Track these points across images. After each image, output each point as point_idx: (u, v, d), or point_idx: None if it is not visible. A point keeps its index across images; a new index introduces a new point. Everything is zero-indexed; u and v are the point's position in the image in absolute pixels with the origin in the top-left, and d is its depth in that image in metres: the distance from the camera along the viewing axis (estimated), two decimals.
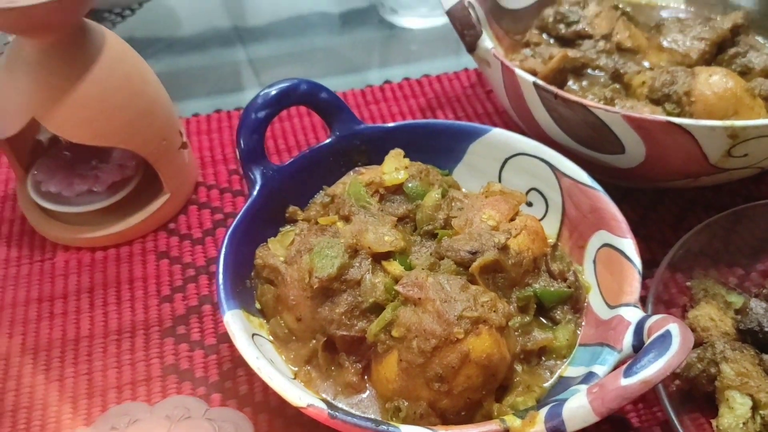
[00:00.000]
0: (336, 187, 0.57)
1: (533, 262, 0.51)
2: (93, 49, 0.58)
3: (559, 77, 0.66)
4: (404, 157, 0.59)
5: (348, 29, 0.95)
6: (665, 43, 0.70)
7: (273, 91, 0.57)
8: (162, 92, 0.65)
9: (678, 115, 0.61)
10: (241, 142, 0.56)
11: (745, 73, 0.68)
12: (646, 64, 0.72)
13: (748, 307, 0.52)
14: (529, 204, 0.59)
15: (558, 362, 0.50)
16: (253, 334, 0.48)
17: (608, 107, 0.55)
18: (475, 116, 0.77)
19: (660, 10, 0.80)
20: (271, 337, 0.51)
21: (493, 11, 0.73)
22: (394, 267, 0.49)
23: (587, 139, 0.58)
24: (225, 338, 0.57)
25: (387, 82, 0.82)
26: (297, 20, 0.96)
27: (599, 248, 0.53)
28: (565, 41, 0.75)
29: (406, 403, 0.45)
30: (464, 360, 0.44)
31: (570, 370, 0.49)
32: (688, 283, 0.56)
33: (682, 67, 0.64)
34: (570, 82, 0.70)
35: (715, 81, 0.60)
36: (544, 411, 0.41)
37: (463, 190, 0.61)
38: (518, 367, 0.49)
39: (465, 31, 0.61)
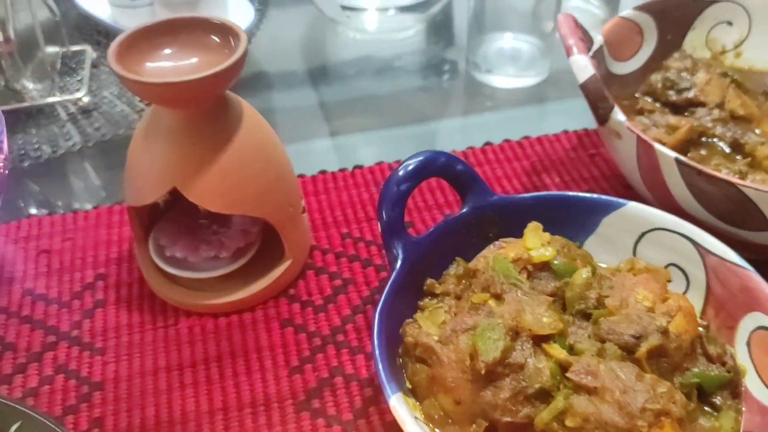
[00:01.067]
0: (477, 262, 0.56)
1: (690, 345, 0.50)
2: (232, 118, 0.58)
3: (685, 146, 0.66)
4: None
5: (436, 85, 0.95)
6: None
7: (412, 165, 0.57)
8: (287, 157, 0.65)
9: None
10: (384, 215, 0.56)
11: None
12: (758, 132, 0.72)
13: None
14: (668, 280, 0.58)
15: None
16: (414, 417, 0.47)
17: (759, 186, 0.54)
18: (582, 180, 0.77)
19: (764, 77, 0.80)
20: (425, 419, 0.50)
21: (604, 77, 0.73)
22: (556, 351, 0.48)
23: (729, 215, 0.58)
24: (361, 413, 0.56)
25: (488, 143, 0.82)
26: (381, 71, 0.96)
27: (753, 330, 0.52)
28: (675, 108, 0.75)
29: None
30: None
31: None
32: None
33: None
34: (690, 151, 0.69)
35: None
36: None
37: (600, 264, 0.60)
38: None
39: (599, 103, 0.61)
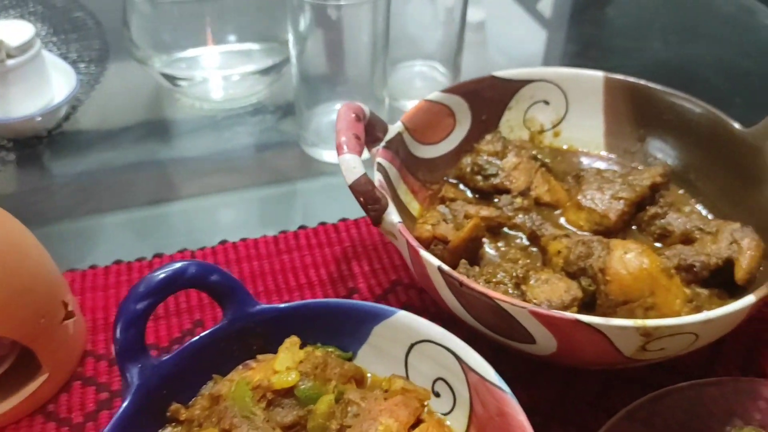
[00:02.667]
0: (222, 385, 0.52)
1: None
2: None
3: (473, 242, 0.63)
4: (303, 342, 0.55)
5: (268, 160, 0.92)
6: (584, 202, 0.68)
7: (157, 277, 0.52)
8: (44, 263, 0.59)
9: (594, 292, 0.58)
10: (118, 336, 0.51)
11: (665, 236, 0.67)
12: (563, 220, 0.69)
13: None
14: (437, 394, 0.55)
15: None
16: None
17: (516, 301, 0.51)
18: (392, 268, 0.73)
19: (581, 156, 0.78)
20: None
21: (408, 162, 0.70)
22: None
23: (496, 327, 0.55)
24: None
25: (302, 227, 0.78)
26: (218, 153, 0.92)
27: None
28: (483, 194, 0.72)
29: None
30: None
31: None
32: None
33: (598, 237, 0.61)
34: (486, 243, 0.67)
35: (629, 259, 0.57)
36: None
37: (369, 375, 0.56)
38: None
39: (369, 206, 0.57)
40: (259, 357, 0.55)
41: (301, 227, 0.78)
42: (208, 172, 0.89)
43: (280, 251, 0.75)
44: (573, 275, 0.60)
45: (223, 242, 0.76)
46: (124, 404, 0.49)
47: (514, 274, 0.58)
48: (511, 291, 0.57)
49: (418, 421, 0.50)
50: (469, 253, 0.63)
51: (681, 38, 1.19)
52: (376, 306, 0.57)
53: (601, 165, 0.77)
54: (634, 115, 0.76)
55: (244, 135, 0.94)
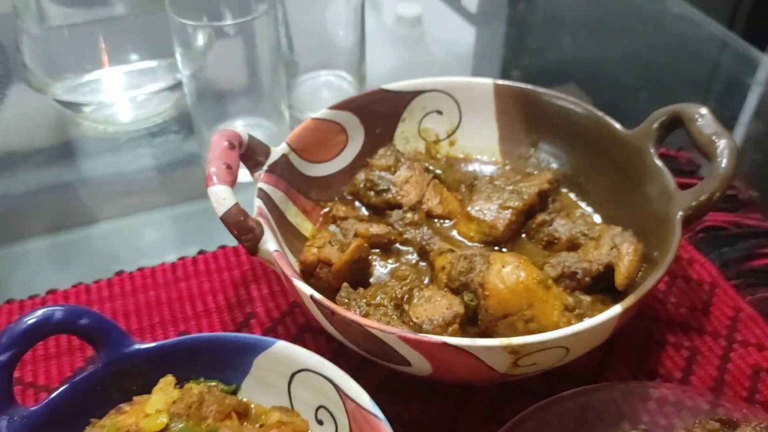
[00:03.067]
0: (93, 431, 0.51)
1: None
2: None
3: (357, 264, 0.63)
4: (186, 378, 0.54)
5: (172, 181, 0.90)
6: (473, 212, 0.69)
7: (20, 327, 0.51)
8: None
9: (475, 307, 0.59)
10: None
11: (552, 243, 0.67)
12: (455, 233, 0.70)
13: None
14: (320, 422, 0.55)
15: None
16: None
17: (384, 327, 0.51)
18: (281, 293, 0.72)
19: (477, 164, 0.78)
20: None
21: (297, 183, 0.70)
22: None
23: (373, 352, 0.55)
24: None
25: (201, 252, 0.77)
26: (120, 174, 0.90)
27: None
28: (377, 209, 0.72)
29: None
30: None
31: None
32: None
33: (481, 251, 0.62)
34: (377, 261, 0.66)
35: (506, 273, 0.57)
36: None
37: (253, 405, 0.56)
38: None
39: (242, 236, 0.57)
40: (135, 399, 0.54)
41: (200, 252, 0.77)
42: (111, 195, 0.87)
43: (178, 279, 0.74)
44: (456, 291, 0.60)
45: (119, 273, 0.75)
46: None
47: (395, 295, 0.58)
48: (390, 313, 0.57)
49: None
50: (355, 274, 0.62)
51: (596, 33, 1.20)
52: (254, 337, 0.56)
53: (497, 172, 0.77)
54: (525, 121, 0.76)
55: (148, 157, 0.93)
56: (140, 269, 0.75)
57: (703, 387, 0.64)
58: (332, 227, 0.68)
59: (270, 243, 0.58)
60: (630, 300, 0.53)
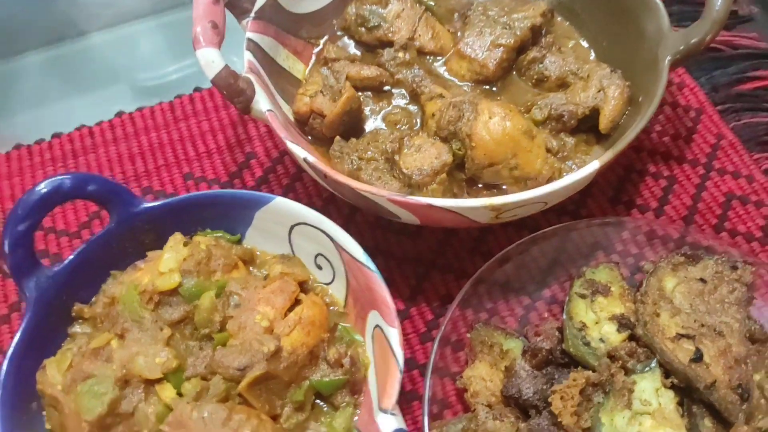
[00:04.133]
0: (115, 288, 0.56)
1: (309, 355, 0.54)
2: None
3: (349, 115, 0.64)
4: (193, 231, 0.60)
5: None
6: (465, 49, 0.68)
7: (33, 198, 0.54)
8: None
9: (463, 156, 0.61)
10: (8, 258, 0.54)
11: (542, 81, 0.67)
12: (445, 71, 0.70)
13: (513, 368, 0.56)
14: (320, 267, 0.60)
15: None
16: None
17: (374, 190, 0.54)
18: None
19: None
20: None
21: (286, 24, 0.68)
22: (167, 392, 0.51)
23: (366, 208, 0.58)
24: None
25: (197, 89, 0.78)
26: None
27: (374, 327, 0.55)
28: (369, 47, 0.71)
29: None
30: None
31: None
32: (469, 335, 0.60)
33: (470, 98, 0.62)
34: (370, 105, 0.68)
35: (493, 124, 0.59)
36: None
37: (258, 252, 0.61)
38: None
39: (234, 99, 0.58)
40: (149, 254, 0.59)
41: (197, 89, 0.78)
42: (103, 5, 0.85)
43: (177, 119, 0.76)
44: (445, 139, 0.62)
45: (119, 114, 0.76)
46: (26, 318, 0.54)
47: (385, 148, 0.60)
48: (381, 166, 0.60)
49: (297, 302, 0.56)
50: (347, 125, 0.64)
51: None
52: (255, 194, 0.60)
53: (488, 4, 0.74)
54: None
55: None
56: (139, 110, 0.77)
57: (675, 216, 0.68)
58: (324, 69, 0.67)
59: (262, 102, 0.59)
60: (608, 155, 0.56)
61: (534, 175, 0.60)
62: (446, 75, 0.69)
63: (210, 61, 0.57)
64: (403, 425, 0.49)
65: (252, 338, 0.52)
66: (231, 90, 0.57)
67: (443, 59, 0.70)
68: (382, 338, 0.54)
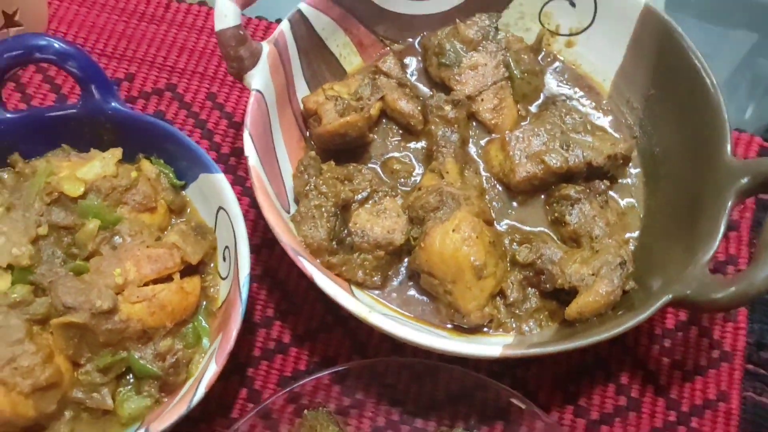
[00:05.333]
0: (40, 163, 0.57)
1: (141, 332, 0.52)
2: None
3: (342, 137, 0.58)
4: (143, 153, 0.59)
5: None
6: (510, 142, 0.59)
7: (12, 46, 0.55)
8: None
9: (415, 245, 0.55)
10: None
11: (559, 223, 0.59)
12: (478, 153, 0.62)
13: None
14: (225, 259, 0.57)
15: (112, 429, 0.52)
16: None
17: (278, 229, 0.50)
18: None
19: (577, 82, 0.65)
20: None
21: (363, 12, 0.63)
22: (2, 282, 0.52)
23: None
24: None
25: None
26: None
27: (214, 350, 0.53)
28: (429, 79, 0.65)
29: None
30: None
31: None
32: (305, 412, 0.55)
33: (461, 196, 0.55)
34: (386, 136, 0.62)
35: (450, 239, 0.52)
36: None
37: (189, 210, 0.60)
38: (68, 414, 0.52)
39: (229, 62, 0.54)
40: (92, 151, 0.58)
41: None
42: None
43: None
44: (411, 220, 0.56)
45: None
46: None
47: (344, 194, 0.55)
48: (325, 209, 0.54)
49: (168, 278, 0.54)
50: (339, 146, 0.59)
51: None
52: (206, 157, 0.57)
53: (585, 104, 0.64)
54: (654, 67, 0.61)
55: None
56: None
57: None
58: (366, 79, 0.62)
59: (256, 80, 0.55)
60: (512, 350, 0.47)
61: (464, 313, 0.53)
62: (475, 156, 0.61)
63: (223, 14, 0.53)
64: None
65: (98, 286, 0.51)
66: (228, 52, 0.54)
67: (488, 138, 0.62)
68: (206, 369, 0.51)
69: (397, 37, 0.66)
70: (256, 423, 0.55)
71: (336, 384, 0.57)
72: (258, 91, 0.55)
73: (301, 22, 0.59)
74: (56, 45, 0.56)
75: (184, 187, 0.60)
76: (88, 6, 0.74)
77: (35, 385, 0.48)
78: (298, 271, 0.52)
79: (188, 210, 0.60)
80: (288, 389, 0.55)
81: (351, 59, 0.65)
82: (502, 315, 0.54)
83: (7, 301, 0.50)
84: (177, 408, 0.49)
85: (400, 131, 0.62)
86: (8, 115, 0.58)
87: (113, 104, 0.58)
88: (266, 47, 0.56)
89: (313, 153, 0.57)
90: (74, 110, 0.59)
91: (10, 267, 0.52)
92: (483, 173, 0.61)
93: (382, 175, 0.60)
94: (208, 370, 0.50)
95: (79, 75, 0.57)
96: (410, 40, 0.66)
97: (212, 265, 0.58)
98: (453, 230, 0.52)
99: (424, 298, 0.56)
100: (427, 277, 0.54)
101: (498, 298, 0.55)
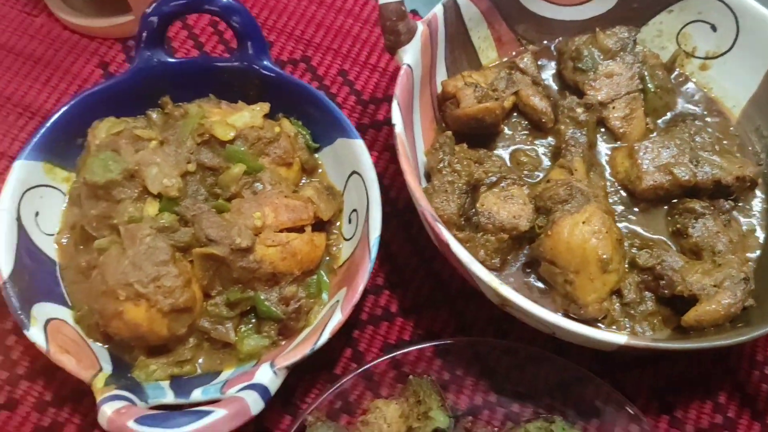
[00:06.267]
0: (192, 107, 0.60)
1: (272, 275, 0.55)
2: None
3: (477, 121, 0.61)
4: (283, 113, 0.62)
5: None
6: (638, 151, 0.61)
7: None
8: None
9: (540, 233, 0.56)
10: (142, 24, 0.60)
11: (680, 234, 0.59)
12: (605, 157, 0.63)
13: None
14: (350, 221, 0.60)
15: (229, 362, 0.55)
16: (38, 186, 0.57)
17: (418, 194, 0.52)
18: None
19: (707, 105, 0.66)
20: (65, 191, 0.60)
21: (507, 9, 0.65)
22: (150, 208, 0.55)
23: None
24: None
25: None
26: None
27: (336, 301, 0.55)
28: (561, 81, 0.67)
29: (86, 309, 0.54)
30: (117, 315, 0.51)
31: (226, 374, 0.54)
32: (411, 377, 0.57)
33: (584, 190, 0.56)
34: (515, 130, 0.64)
35: (579, 230, 0.53)
36: (115, 397, 0.48)
37: (321, 171, 0.62)
38: (192, 341, 0.55)
39: (387, 34, 0.57)
40: (240, 103, 0.62)
41: None
42: None
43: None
44: (537, 209, 0.57)
45: None
46: (121, 75, 0.61)
47: (478, 173, 0.57)
48: (457, 185, 0.56)
49: (300, 230, 0.56)
50: (473, 130, 0.61)
51: None
52: (348, 122, 0.60)
53: (716, 128, 0.65)
54: None
55: None
56: None
57: None
58: (503, 71, 0.64)
59: (408, 56, 0.57)
60: (637, 341, 0.48)
61: (581, 304, 0.54)
62: (602, 160, 0.63)
63: None
64: (271, 387, 0.49)
65: (239, 225, 0.54)
66: (388, 25, 0.56)
67: (614, 144, 0.64)
68: (330, 315, 0.53)
69: (534, 39, 0.68)
70: (359, 382, 0.57)
71: (438, 357, 0.58)
72: (408, 66, 0.57)
73: (453, 9, 0.61)
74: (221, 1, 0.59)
75: (317, 150, 0.63)
76: None
77: (174, 305, 0.51)
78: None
79: (319, 171, 0.63)
80: (392, 355, 0.57)
81: (488, 53, 0.67)
82: (616, 313, 0.55)
83: (156, 225, 0.53)
84: (301, 348, 0.51)
85: (528, 126, 0.64)
86: (169, 60, 0.61)
87: (265, 62, 0.61)
88: (420, 26, 0.58)
89: (449, 132, 0.59)
90: (229, 63, 0.62)
91: (158, 196, 0.56)
92: (608, 178, 0.62)
93: (509, 164, 0.62)
94: (332, 318, 0.52)
95: (240, 30, 0.60)
96: (545, 42, 0.68)
97: (337, 224, 0.60)
98: (583, 222, 0.54)
99: (539, 286, 0.57)
100: (548, 266, 0.55)
101: (614, 297, 0.56)
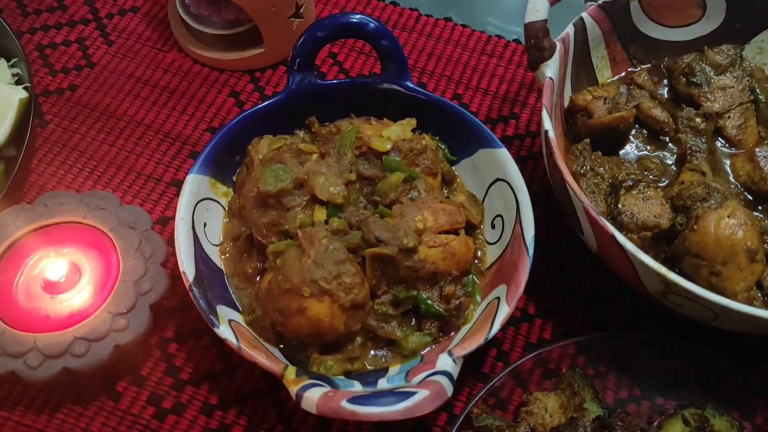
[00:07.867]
0: (344, 123, 0.65)
1: (432, 274, 0.58)
2: None
3: (612, 131, 0.65)
4: (424, 128, 0.66)
5: None
6: (759, 155, 0.65)
7: (339, 21, 0.64)
8: None
9: (679, 231, 0.60)
10: (296, 48, 0.65)
11: None
12: (727, 162, 0.67)
13: (577, 423, 0.55)
14: (493, 226, 0.64)
15: (393, 359, 0.58)
16: (205, 199, 0.61)
17: (578, 191, 0.56)
18: None
19: None
20: (224, 204, 0.64)
21: (623, 31, 0.70)
22: (320, 214, 0.59)
23: (564, 204, 0.60)
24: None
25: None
26: None
27: (495, 298, 0.58)
28: (676, 96, 0.71)
29: (259, 312, 0.57)
30: (300, 311, 0.54)
31: (393, 370, 0.57)
32: (564, 370, 0.60)
33: (720, 189, 0.60)
34: (637, 140, 0.68)
35: (725, 223, 0.57)
36: (313, 385, 0.51)
37: (464, 182, 0.66)
38: (359, 340, 0.58)
39: (532, 50, 0.62)
40: (385, 120, 0.66)
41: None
42: None
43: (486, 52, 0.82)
44: (675, 208, 0.61)
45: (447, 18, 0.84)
46: (271, 100, 0.65)
47: (620, 176, 0.61)
48: (602, 187, 0.60)
49: (455, 233, 0.60)
50: (604, 139, 0.65)
51: None
52: (490, 133, 0.64)
53: None
54: None
55: None
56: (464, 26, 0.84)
57: None
58: (623, 87, 0.69)
59: (550, 70, 0.62)
60: None
61: (728, 294, 0.57)
62: (724, 165, 0.67)
63: (536, 8, 0.61)
64: (454, 373, 0.52)
65: (402, 228, 0.58)
66: (534, 42, 0.61)
67: (731, 151, 0.68)
68: (493, 309, 0.57)
69: (642, 58, 0.73)
70: (508, 380, 0.60)
71: (580, 354, 0.61)
72: (551, 78, 0.62)
73: (581, 29, 0.66)
74: (371, 25, 0.64)
75: (453, 163, 0.67)
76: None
77: (354, 300, 0.54)
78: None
79: (457, 181, 0.67)
80: (536, 353, 0.60)
81: (603, 72, 0.72)
82: (758, 303, 0.58)
83: (331, 228, 0.57)
84: (476, 338, 0.54)
85: (648, 136, 0.68)
86: (319, 81, 0.66)
87: (407, 82, 0.66)
88: (558, 44, 0.63)
89: (587, 140, 0.63)
90: (372, 84, 0.67)
91: (325, 204, 0.59)
92: (731, 181, 0.66)
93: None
94: (499, 311, 0.55)
95: (386, 52, 0.65)
96: (653, 62, 0.73)
97: (481, 228, 0.64)
98: (728, 216, 0.57)
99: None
100: (692, 259, 0.58)
101: (755, 288, 0.59)
